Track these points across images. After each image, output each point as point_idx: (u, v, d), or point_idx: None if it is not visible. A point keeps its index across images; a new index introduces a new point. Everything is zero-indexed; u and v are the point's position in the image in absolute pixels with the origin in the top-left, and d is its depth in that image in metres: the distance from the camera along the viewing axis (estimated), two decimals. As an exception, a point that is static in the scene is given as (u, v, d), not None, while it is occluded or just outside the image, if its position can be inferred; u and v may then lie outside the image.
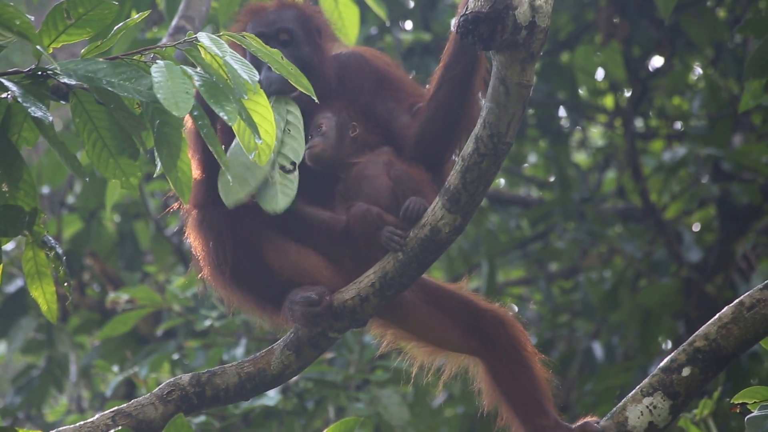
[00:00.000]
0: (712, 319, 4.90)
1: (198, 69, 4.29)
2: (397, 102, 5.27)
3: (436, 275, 11.29)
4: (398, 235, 4.95)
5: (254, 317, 5.33)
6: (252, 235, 5.08)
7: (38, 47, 4.08)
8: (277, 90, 5.04)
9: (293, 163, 4.99)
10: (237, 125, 4.40)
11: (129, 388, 9.54)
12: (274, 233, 5.12)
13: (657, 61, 10.62)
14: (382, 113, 5.27)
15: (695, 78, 10.94)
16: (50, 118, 4.13)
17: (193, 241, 5.15)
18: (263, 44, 4.37)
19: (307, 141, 5.12)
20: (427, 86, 5.23)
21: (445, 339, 5.31)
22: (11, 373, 11.51)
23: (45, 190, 10.08)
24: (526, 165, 12.21)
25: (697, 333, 4.91)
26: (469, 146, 4.82)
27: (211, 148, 4.28)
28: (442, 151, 5.15)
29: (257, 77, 4.26)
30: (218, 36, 4.32)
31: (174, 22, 6.57)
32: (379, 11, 7.17)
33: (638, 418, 4.93)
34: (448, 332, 5.28)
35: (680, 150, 10.21)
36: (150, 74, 4.15)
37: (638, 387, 4.98)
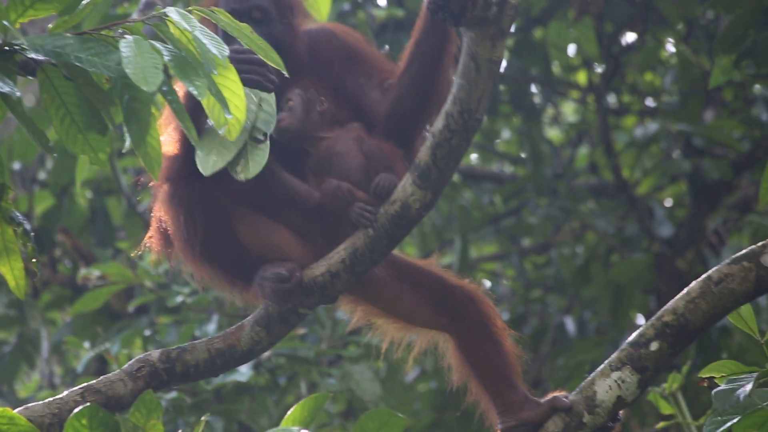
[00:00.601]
0: (680, 294, 4.93)
1: (167, 44, 4.27)
2: (367, 78, 5.28)
3: (409, 251, 11.33)
4: (368, 211, 4.96)
5: (224, 293, 5.33)
6: (223, 210, 5.07)
7: (4, 22, 4.05)
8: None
9: (264, 134, 4.99)
10: (207, 100, 4.38)
11: (101, 365, 9.52)
12: (245, 209, 5.11)
13: (629, 37, 10.64)
14: (353, 89, 5.28)
15: (667, 54, 10.96)
16: (18, 94, 4.11)
17: (163, 215, 5.13)
18: (233, 19, 4.35)
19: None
20: (399, 63, 5.23)
21: (415, 315, 5.32)
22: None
23: (16, 166, 10.03)
24: (498, 141, 12.21)
25: (665, 308, 4.94)
26: (439, 122, 4.83)
27: (180, 124, 4.27)
28: (413, 127, 5.15)
29: (227, 52, 4.25)
30: (188, 11, 4.30)
31: (144, -2, 6.56)
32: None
33: (606, 392, 4.96)
34: (418, 309, 5.29)
35: (652, 126, 10.25)
36: (119, 49, 4.13)
37: (607, 361, 5.00)
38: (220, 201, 5.07)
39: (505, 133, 12.15)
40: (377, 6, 9.69)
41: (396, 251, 5.32)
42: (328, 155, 5.15)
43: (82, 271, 8.44)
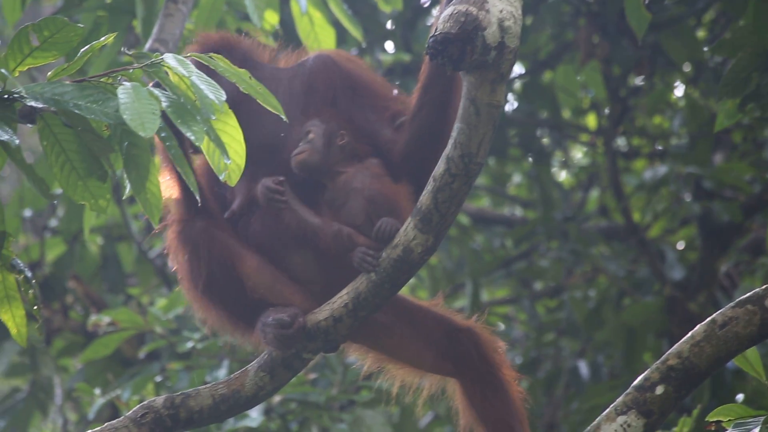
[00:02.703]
0: (685, 338, 4.90)
1: (166, 90, 4.28)
2: (376, 113, 5.25)
3: (421, 295, 11.32)
4: (371, 256, 4.95)
5: (229, 335, 5.31)
6: (228, 250, 5.07)
7: (2, 70, 4.08)
8: None
9: None
10: (206, 145, 4.40)
11: (113, 411, 9.51)
12: (251, 251, 5.11)
13: (637, 80, 10.65)
14: (362, 124, 5.25)
15: (676, 97, 10.97)
16: (17, 142, 4.13)
17: (172, 254, 5.15)
18: (231, 65, 4.37)
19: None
20: (407, 98, 5.23)
21: (420, 361, 5.29)
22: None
23: (27, 213, 10.07)
24: (509, 184, 12.23)
25: (670, 351, 4.91)
26: (440, 167, 4.82)
27: (178, 169, 4.28)
28: (429, 167, 5.09)
29: (224, 97, 4.26)
30: (186, 56, 4.32)
31: (148, 45, 6.58)
32: (355, 33, 7.19)
33: (612, 436, 4.93)
34: (423, 355, 5.26)
35: (661, 169, 10.24)
36: (117, 96, 4.15)
37: (612, 405, 4.97)
38: (225, 242, 5.07)
39: (516, 177, 12.16)
40: (384, 51, 9.75)
41: (400, 293, 5.30)
42: (344, 191, 5.14)
43: (93, 318, 8.43)
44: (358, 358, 5.39)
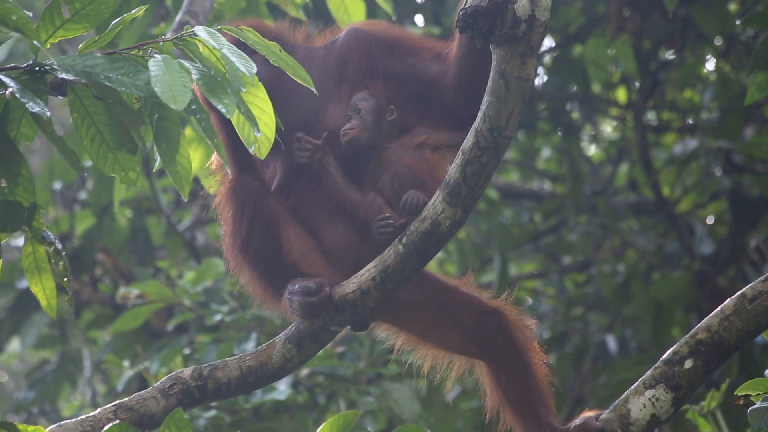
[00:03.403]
0: (715, 312, 4.89)
1: (197, 63, 4.29)
2: (416, 56, 5.24)
3: (449, 269, 11.33)
4: (387, 219, 4.95)
5: (257, 299, 5.31)
6: (272, 213, 5.10)
7: (35, 42, 4.09)
8: None
9: None
10: (236, 118, 4.41)
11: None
12: (293, 218, 5.13)
13: (668, 54, 10.60)
14: (408, 73, 5.23)
15: (706, 71, 10.91)
16: (48, 114, 4.15)
17: (219, 211, 5.20)
18: (261, 37, 4.38)
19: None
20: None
21: (448, 342, 5.30)
22: (25, 369, 11.55)
23: (57, 185, 10.12)
24: (538, 158, 12.20)
25: (699, 325, 4.90)
26: (469, 140, 4.81)
27: (209, 142, 4.30)
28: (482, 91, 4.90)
29: (255, 70, 4.27)
30: (216, 29, 4.33)
31: (178, 18, 6.57)
32: (386, 6, 7.18)
33: (641, 410, 4.93)
34: (450, 336, 5.27)
35: (692, 143, 10.20)
36: (148, 69, 4.16)
37: (641, 379, 4.97)
38: (270, 204, 5.10)
39: (545, 151, 12.13)
40: (414, 24, 9.72)
41: (431, 270, 5.30)
42: (382, 165, 5.14)
43: (121, 290, 8.47)
44: (387, 339, 5.40)
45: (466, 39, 4.99)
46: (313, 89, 4.52)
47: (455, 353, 5.32)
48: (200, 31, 4.23)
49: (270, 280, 5.17)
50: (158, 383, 5.00)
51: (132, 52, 4.28)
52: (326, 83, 5.22)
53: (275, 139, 4.52)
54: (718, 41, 10.34)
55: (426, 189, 5.03)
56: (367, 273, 5.00)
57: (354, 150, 5.15)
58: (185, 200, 4.69)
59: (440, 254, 9.79)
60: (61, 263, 4.51)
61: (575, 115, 11.10)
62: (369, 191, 5.10)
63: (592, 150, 12.36)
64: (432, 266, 5.30)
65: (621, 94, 11.59)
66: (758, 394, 4.87)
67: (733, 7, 10.09)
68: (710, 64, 10.85)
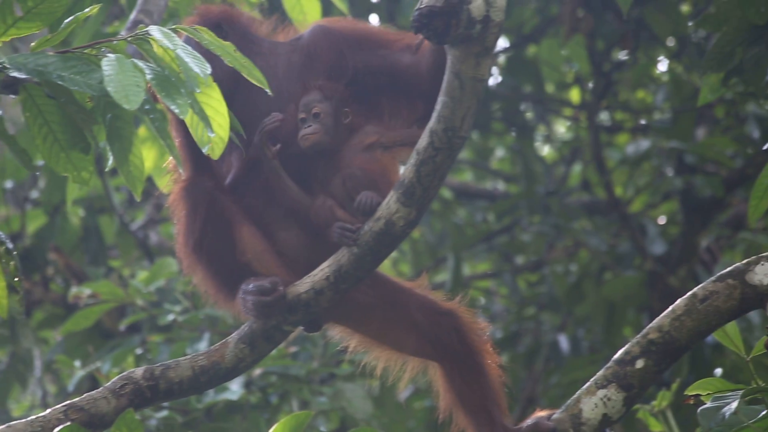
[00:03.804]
0: (666, 312, 4.92)
1: (150, 62, 4.27)
2: (386, 48, 5.22)
3: (403, 269, 11.34)
4: (350, 230, 4.95)
5: (210, 298, 5.28)
6: (226, 213, 5.07)
7: (-15, 41, 4.07)
8: None
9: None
10: (190, 118, 4.39)
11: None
12: (247, 219, 5.11)
13: (621, 55, 10.66)
14: (379, 64, 5.20)
15: (659, 72, 10.99)
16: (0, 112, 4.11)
17: (173, 210, 5.17)
18: (216, 37, 4.36)
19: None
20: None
21: (402, 344, 5.29)
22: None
23: (8, 184, 10.04)
24: (492, 158, 12.24)
25: (650, 325, 4.93)
26: (423, 140, 4.82)
27: (162, 142, 4.28)
28: None
29: (209, 70, 4.25)
30: (170, 29, 4.31)
31: (132, 17, 6.54)
32: (341, 5, 7.17)
33: (592, 410, 4.94)
34: (404, 338, 5.27)
35: (644, 143, 10.26)
36: (101, 68, 4.13)
37: (592, 379, 4.99)
38: (224, 204, 5.08)
39: (499, 151, 12.17)
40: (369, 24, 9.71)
41: (384, 272, 5.30)
42: (337, 167, 5.13)
43: (73, 290, 8.42)
44: (341, 339, 5.39)
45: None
46: (269, 91, 4.51)
47: (409, 354, 5.32)
48: (154, 30, 4.21)
49: (223, 279, 5.15)
50: (109, 383, 4.96)
51: (85, 51, 4.26)
52: (291, 80, 5.21)
53: (232, 136, 4.50)
54: (671, 42, 10.41)
55: (379, 190, 5.02)
56: (320, 273, 4.99)
57: (313, 153, 5.13)
58: (138, 200, 4.66)
59: (394, 254, 9.80)
60: (11, 263, 4.48)
61: (529, 115, 11.15)
62: (319, 194, 5.09)
63: (545, 150, 12.41)
64: (386, 266, 5.30)
65: (574, 95, 11.65)
66: (708, 393, 4.89)
67: (685, 8, 10.17)
68: (663, 65, 10.93)
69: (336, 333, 5.37)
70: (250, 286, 5.01)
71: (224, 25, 5.16)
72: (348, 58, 5.22)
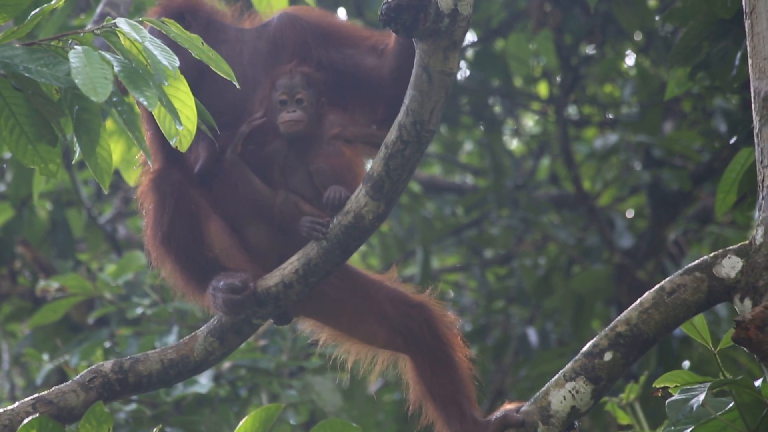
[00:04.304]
0: (634, 305, 4.93)
1: (118, 55, 4.25)
2: (353, 47, 5.20)
3: (372, 262, 11.34)
4: (320, 224, 4.95)
5: (179, 291, 5.27)
6: (194, 206, 5.06)
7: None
8: None
9: None
10: (158, 111, 4.37)
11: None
12: (216, 213, 5.10)
13: (588, 49, 10.70)
14: (343, 64, 5.19)
15: (626, 66, 11.03)
16: (-35, 105, 4.09)
17: (141, 202, 5.14)
18: (183, 30, 4.35)
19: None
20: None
21: (373, 337, 5.29)
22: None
23: (-25, 178, 10.00)
24: (460, 152, 12.26)
25: (618, 318, 4.94)
26: (392, 133, 4.82)
27: (130, 135, 4.26)
28: None
29: (177, 63, 4.24)
30: (138, 21, 4.29)
31: (99, 9, 6.51)
32: (308, -1, 7.17)
33: (561, 402, 4.95)
34: (375, 331, 5.27)
35: (612, 137, 10.30)
36: (68, 60, 4.12)
37: (561, 372, 5.00)
38: (193, 197, 5.07)
39: (467, 145, 12.19)
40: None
41: (354, 265, 5.30)
42: (301, 159, 5.11)
43: (41, 283, 8.38)
44: (310, 332, 5.39)
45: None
46: (236, 83, 4.50)
47: (379, 347, 5.32)
48: (122, 23, 4.19)
49: (192, 272, 5.14)
50: (78, 376, 4.95)
51: (52, 44, 4.24)
52: (257, 67, 5.19)
53: (200, 125, 4.49)
54: (638, 37, 10.45)
55: (347, 184, 5.02)
56: (290, 266, 4.99)
57: (291, 137, 5.10)
58: (106, 193, 4.65)
59: (363, 247, 9.79)
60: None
61: (497, 109, 11.17)
62: (280, 189, 5.08)
63: (513, 144, 12.44)
64: (355, 259, 5.31)
65: (542, 89, 11.68)
66: (676, 386, 4.91)
67: (652, 2, 10.20)
68: (630, 59, 10.98)
69: (306, 326, 5.37)
70: (221, 283, 5.00)
71: (187, 15, 5.14)
72: (313, 51, 5.21)
